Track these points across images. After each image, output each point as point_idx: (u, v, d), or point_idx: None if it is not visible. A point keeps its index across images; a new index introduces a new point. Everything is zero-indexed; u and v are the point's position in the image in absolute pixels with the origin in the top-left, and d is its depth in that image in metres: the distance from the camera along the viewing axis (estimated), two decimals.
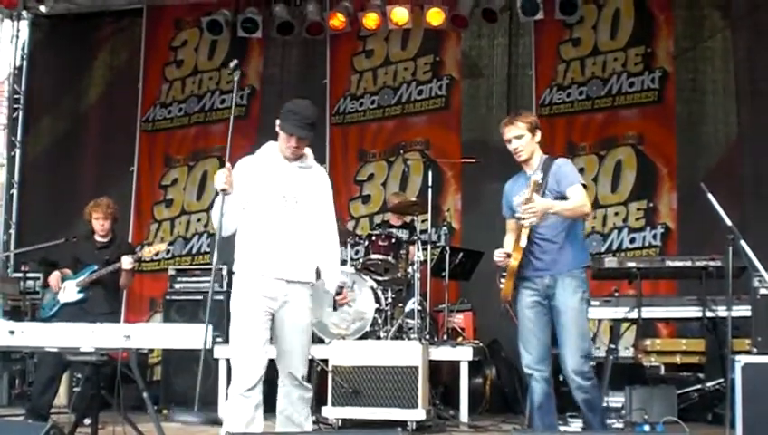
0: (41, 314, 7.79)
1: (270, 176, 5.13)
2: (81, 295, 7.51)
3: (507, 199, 5.77)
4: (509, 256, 5.45)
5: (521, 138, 5.54)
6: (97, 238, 7.70)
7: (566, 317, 5.36)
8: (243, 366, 5.00)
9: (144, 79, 11.30)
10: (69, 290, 7.53)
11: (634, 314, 6.99)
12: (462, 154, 10.16)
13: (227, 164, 5.13)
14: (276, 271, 5.03)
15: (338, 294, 5.44)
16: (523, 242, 5.33)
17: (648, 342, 8.33)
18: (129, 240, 9.90)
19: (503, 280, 5.55)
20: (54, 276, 7.63)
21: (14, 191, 11.34)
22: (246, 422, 4.93)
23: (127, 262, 7.34)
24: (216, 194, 5.13)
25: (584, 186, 5.48)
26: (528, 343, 5.49)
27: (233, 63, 5.44)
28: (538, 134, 5.57)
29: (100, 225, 7.66)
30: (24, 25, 11.48)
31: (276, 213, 5.06)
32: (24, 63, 11.49)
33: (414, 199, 9.09)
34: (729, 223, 5.75)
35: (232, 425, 4.90)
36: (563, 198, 5.36)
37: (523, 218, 5.28)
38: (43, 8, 10.96)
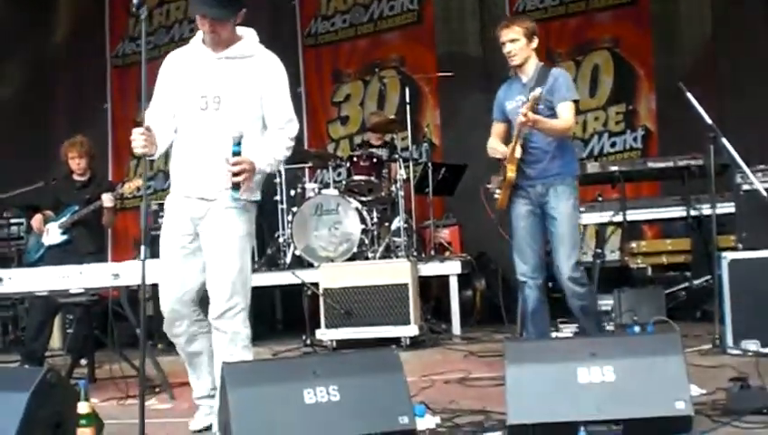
0: (26, 258, 7.72)
1: (191, 74, 4.24)
2: (65, 237, 7.44)
3: (499, 104, 5.71)
4: (504, 159, 5.43)
5: (515, 41, 5.46)
6: (75, 178, 7.62)
7: (560, 225, 5.40)
8: (161, 306, 4.39)
9: (110, 14, 11.12)
10: (52, 232, 7.48)
11: (619, 218, 7.03)
12: (438, 69, 10.06)
13: (145, 122, 4.19)
14: (193, 189, 4.23)
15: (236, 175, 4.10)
16: (518, 153, 5.36)
17: (633, 244, 8.40)
18: (110, 178, 9.84)
19: (497, 192, 5.56)
20: (37, 219, 7.57)
21: None
22: (186, 359, 4.52)
23: (107, 199, 7.22)
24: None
25: (576, 101, 5.47)
26: (522, 252, 5.54)
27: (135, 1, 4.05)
28: (535, 41, 5.51)
29: (76, 164, 7.57)
30: None
31: (194, 119, 4.20)
32: None
33: (392, 117, 9.04)
34: (709, 121, 5.75)
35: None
36: (552, 109, 5.36)
37: (518, 127, 5.28)
38: None
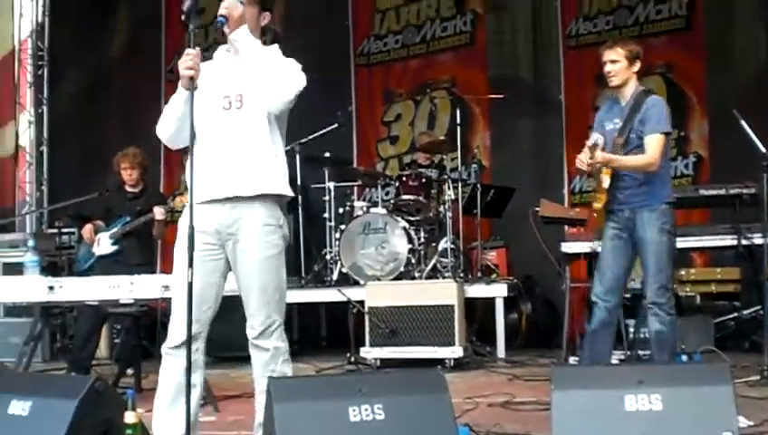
0: (76, 267, 7.80)
1: (212, 78, 4.04)
2: (115, 247, 7.49)
3: (599, 122, 5.76)
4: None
5: (615, 63, 5.55)
6: (127, 189, 7.69)
7: (645, 250, 5.45)
8: (171, 319, 4.03)
9: (166, 28, 11.27)
10: (103, 242, 7.55)
11: None
12: (489, 90, 10.06)
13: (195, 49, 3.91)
14: (215, 191, 3.95)
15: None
16: (606, 183, 5.45)
17: (683, 271, 8.32)
18: (161, 191, 9.94)
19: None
20: (87, 229, 7.64)
21: (44, 148, 11.40)
22: (170, 389, 3.95)
23: (159, 212, 7.26)
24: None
25: (666, 134, 5.49)
26: (602, 273, 5.61)
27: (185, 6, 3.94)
28: (637, 65, 5.58)
29: (128, 175, 7.63)
30: None
31: (217, 120, 4.01)
32: (47, 20, 11.46)
33: (442, 138, 9.05)
34: (763, 149, 5.69)
35: (158, 393, 4.01)
36: (642, 138, 5.42)
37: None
38: None
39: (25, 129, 11.33)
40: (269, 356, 4.03)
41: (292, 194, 4.19)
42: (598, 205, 5.52)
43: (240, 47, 3.98)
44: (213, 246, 4.03)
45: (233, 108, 4.03)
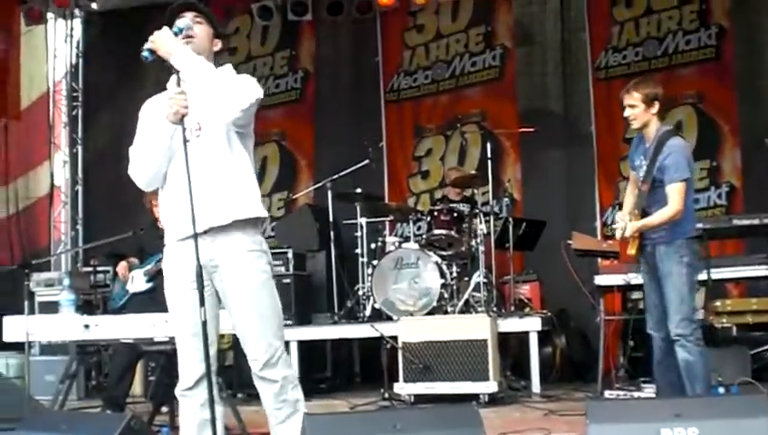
0: (111, 305, 7.81)
1: (166, 111, 3.87)
2: (149, 285, 7.48)
3: (631, 158, 5.99)
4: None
5: (633, 107, 5.69)
6: (160, 226, 7.71)
7: (665, 283, 5.59)
8: (180, 362, 4.04)
9: None
10: (137, 280, 7.57)
11: (703, 276, 6.90)
12: (519, 124, 10.08)
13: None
14: (190, 226, 3.72)
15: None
16: (632, 250, 5.70)
17: (718, 303, 8.23)
18: None
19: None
20: (122, 266, 7.67)
21: (79, 188, 11.53)
22: (192, 429, 3.99)
23: None
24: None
25: (686, 180, 5.56)
26: (648, 306, 5.86)
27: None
28: (655, 106, 5.69)
29: (159, 211, 7.66)
30: (78, 23, 11.63)
31: (178, 153, 3.85)
32: (80, 61, 11.64)
33: (473, 172, 9.06)
34: None
35: (183, 432, 4.05)
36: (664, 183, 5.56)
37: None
38: (94, 5, 11.08)
39: (60, 168, 11.46)
40: (278, 387, 3.96)
41: (266, 215, 4.11)
42: (632, 252, 5.71)
43: (182, 70, 3.82)
44: (196, 285, 3.81)
45: (192, 138, 3.91)
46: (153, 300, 7.19)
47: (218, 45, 4.11)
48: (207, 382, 3.75)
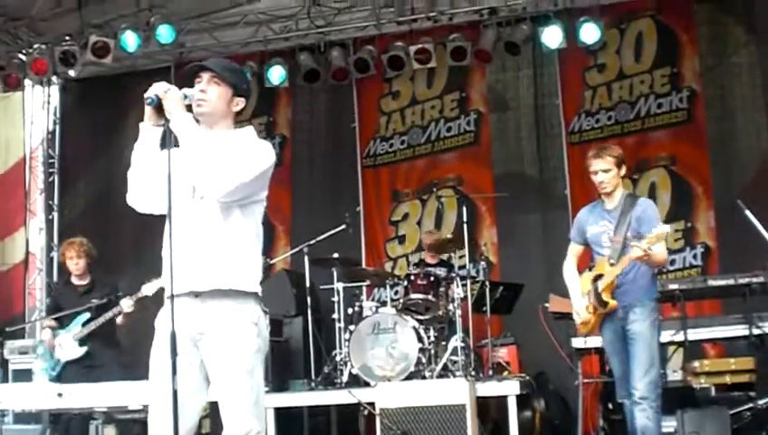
0: (44, 376, 7.35)
1: (178, 162, 3.80)
2: (83, 349, 7.23)
3: (580, 227, 6.01)
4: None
5: (608, 172, 5.73)
6: (74, 281, 7.45)
7: (635, 344, 5.59)
8: (150, 431, 3.85)
9: None
10: (67, 346, 7.26)
11: (680, 337, 6.93)
12: (495, 188, 10.17)
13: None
14: (181, 286, 3.72)
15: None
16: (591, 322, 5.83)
17: (696, 363, 8.23)
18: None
19: (579, 317, 5.95)
20: (46, 335, 7.38)
21: (54, 254, 11.44)
22: None
23: (127, 305, 6.97)
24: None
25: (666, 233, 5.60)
26: (618, 376, 5.82)
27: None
28: (623, 169, 5.80)
29: (74, 264, 7.37)
30: (55, 90, 11.69)
31: (181, 208, 3.81)
32: (57, 128, 11.66)
33: (449, 236, 9.09)
34: None
35: None
36: (640, 238, 5.53)
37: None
38: (72, 72, 11.11)
39: (36, 235, 11.42)
40: None
41: (257, 290, 3.95)
42: (614, 303, 5.66)
43: (178, 135, 3.78)
44: (187, 349, 3.78)
45: (196, 196, 3.86)
46: (89, 367, 6.99)
47: (240, 105, 4.03)
48: None
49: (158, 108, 3.84)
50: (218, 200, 3.79)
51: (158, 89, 3.83)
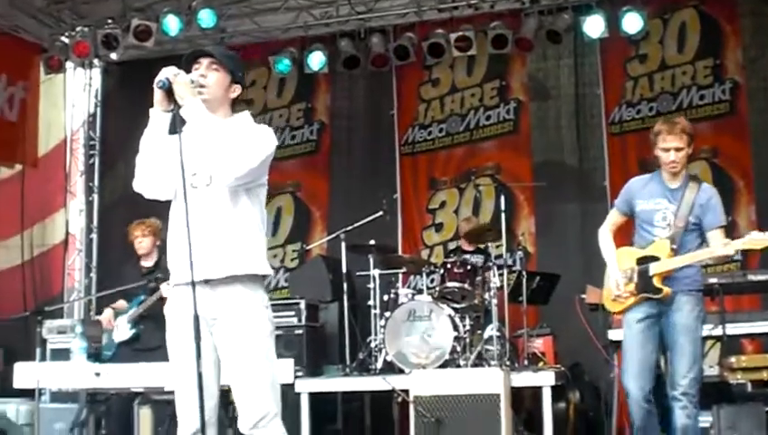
0: (103, 357, 7.47)
1: (175, 152, 3.81)
2: (132, 332, 7.28)
3: (630, 197, 5.62)
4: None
5: (680, 150, 5.38)
6: (141, 263, 7.44)
7: (680, 336, 5.33)
8: (178, 414, 3.97)
9: None
10: (121, 327, 7.32)
11: (718, 332, 6.86)
12: (533, 177, 10.13)
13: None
14: (192, 275, 3.67)
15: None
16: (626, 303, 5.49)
17: (733, 359, 8.13)
18: None
19: (622, 294, 5.54)
20: (106, 315, 7.46)
21: (94, 236, 11.58)
22: None
23: (166, 289, 6.82)
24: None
25: (725, 227, 5.46)
26: (633, 363, 5.45)
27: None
28: (692, 148, 5.46)
29: (139, 243, 7.36)
30: (97, 73, 11.78)
31: (186, 199, 3.77)
32: (98, 110, 11.76)
33: (487, 225, 9.06)
34: None
35: None
36: (698, 225, 5.37)
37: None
38: (113, 55, 11.19)
39: (76, 216, 11.52)
40: None
41: (270, 272, 4.06)
42: (669, 290, 5.36)
43: (189, 122, 3.83)
44: (201, 334, 3.76)
45: (202, 186, 3.93)
46: (136, 350, 6.97)
47: (236, 91, 4.09)
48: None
49: (169, 92, 3.88)
50: (228, 185, 3.85)
51: (169, 72, 3.87)
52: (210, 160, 3.84)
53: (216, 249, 3.85)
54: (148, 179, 4.09)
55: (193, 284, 3.63)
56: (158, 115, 3.99)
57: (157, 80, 3.89)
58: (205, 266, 3.77)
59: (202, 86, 3.91)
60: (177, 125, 3.85)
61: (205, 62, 3.99)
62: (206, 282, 3.82)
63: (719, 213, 5.43)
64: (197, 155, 3.87)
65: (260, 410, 3.84)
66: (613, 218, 5.73)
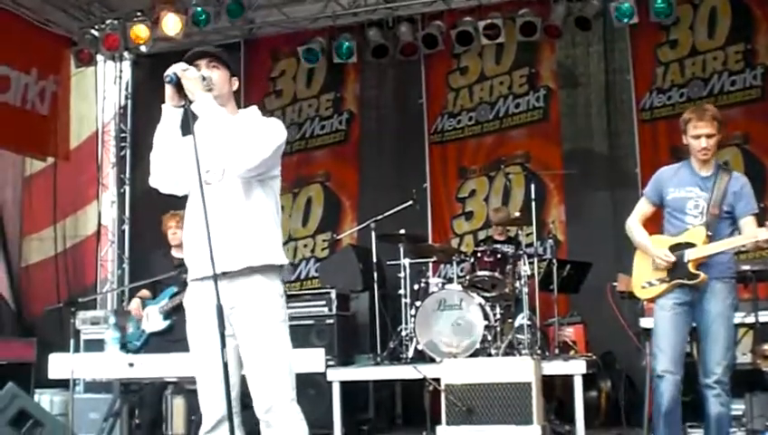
0: (129, 347, 7.46)
1: (188, 148, 3.88)
2: (166, 323, 7.28)
3: (659, 186, 5.59)
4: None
5: (711, 137, 5.35)
6: (174, 254, 7.41)
7: (714, 322, 5.29)
8: (201, 404, 4.04)
9: (245, 105, 11.51)
10: (153, 318, 7.32)
11: (751, 319, 6.81)
12: (563, 165, 10.09)
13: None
14: (206, 266, 3.72)
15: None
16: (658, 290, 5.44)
17: (766, 346, 8.09)
18: None
19: (653, 283, 5.51)
20: (135, 304, 7.45)
21: (126, 227, 11.67)
22: None
23: None
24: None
25: (757, 215, 5.41)
26: (665, 345, 5.38)
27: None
28: (721, 135, 5.43)
29: (173, 234, 7.37)
30: (127, 66, 11.85)
31: (199, 194, 3.79)
32: (129, 102, 11.84)
33: (517, 213, 9.04)
34: None
35: None
36: (730, 213, 5.35)
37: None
38: (143, 48, 11.25)
39: (108, 208, 11.62)
40: (284, 432, 3.92)
41: (286, 261, 4.10)
42: (706, 276, 5.32)
43: (201, 117, 3.90)
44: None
45: (215, 181, 3.98)
46: (173, 342, 6.86)
47: (236, 85, 4.17)
48: (229, 425, 3.72)
49: (179, 87, 3.94)
50: (241, 177, 3.90)
51: (177, 68, 3.94)
52: (222, 154, 3.91)
53: (233, 242, 3.90)
54: (163, 175, 4.14)
55: (215, 275, 3.66)
56: (170, 111, 4.06)
57: (165, 75, 3.97)
58: (222, 259, 3.80)
59: (213, 82, 3.98)
60: (189, 120, 3.91)
61: (203, 62, 4.07)
62: (224, 274, 3.84)
63: (752, 201, 5.40)
64: (210, 150, 3.93)
65: (275, 394, 3.89)
66: (642, 208, 5.70)
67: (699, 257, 5.31)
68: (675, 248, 5.42)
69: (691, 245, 5.35)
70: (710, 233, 5.31)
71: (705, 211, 5.37)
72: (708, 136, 5.34)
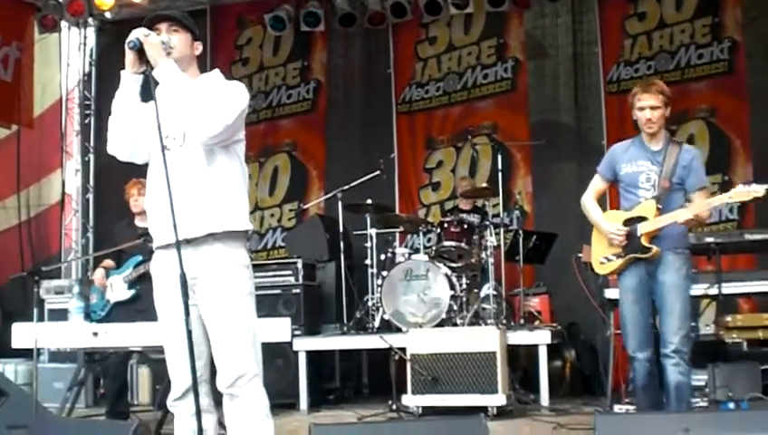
0: (93, 317, 7.35)
1: (154, 116, 3.81)
2: (131, 292, 7.19)
3: (612, 161, 5.69)
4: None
5: (656, 109, 5.42)
6: (137, 223, 7.27)
7: (670, 294, 5.34)
8: (169, 372, 4.02)
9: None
10: (117, 287, 7.23)
11: (714, 291, 6.87)
12: (530, 136, 10.11)
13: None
14: (169, 233, 3.69)
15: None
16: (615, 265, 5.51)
17: (728, 318, 8.16)
18: None
19: (610, 259, 5.58)
20: (98, 274, 7.36)
21: (90, 196, 11.55)
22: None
23: None
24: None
25: (706, 188, 5.50)
26: (629, 326, 5.47)
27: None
28: (668, 110, 5.48)
29: (134, 201, 7.24)
30: (91, 32, 11.68)
31: (161, 160, 3.75)
32: (93, 69, 11.68)
33: (484, 184, 9.06)
34: None
35: None
36: (681, 184, 5.40)
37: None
38: (108, 14, 11.11)
39: (72, 176, 11.49)
40: (244, 407, 3.86)
41: (250, 227, 4.06)
42: (658, 249, 5.37)
43: (162, 83, 3.85)
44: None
45: (175, 146, 3.93)
46: (138, 311, 6.72)
47: (199, 49, 4.13)
48: (194, 394, 3.69)
49: (140, 53, 3.89)
50: (204, 143, 3.85)
51: (139, 33, 3.88)
52: (183, 120, 3.86)
53: (194, 208, 3.85)
54: (121, 142, 4.09)
55: (177, 242, 3.64)
56: (129, 77, 3.99)
57: (128, 41, 3.90)
58: (185, 226, 3.75)
59: (171, 47, 3.92)
60: (150, 86, 3.85)
61: (163, 26, 4.02)
62: (188, 242, 3.81)
63: (701, 175, 5.48)
64: (170, 116, 3.87)
65: (238, 369, 3.83)
66: (596, 185, 5.79)
67: (651, 231, 5.37)
68: (628, 223, 5.49)
69: (644, 218, 5.42)
70: (660, 206, 5.38)
71: (657, 184, 5.44)
72: (653, 108, 5.41)
